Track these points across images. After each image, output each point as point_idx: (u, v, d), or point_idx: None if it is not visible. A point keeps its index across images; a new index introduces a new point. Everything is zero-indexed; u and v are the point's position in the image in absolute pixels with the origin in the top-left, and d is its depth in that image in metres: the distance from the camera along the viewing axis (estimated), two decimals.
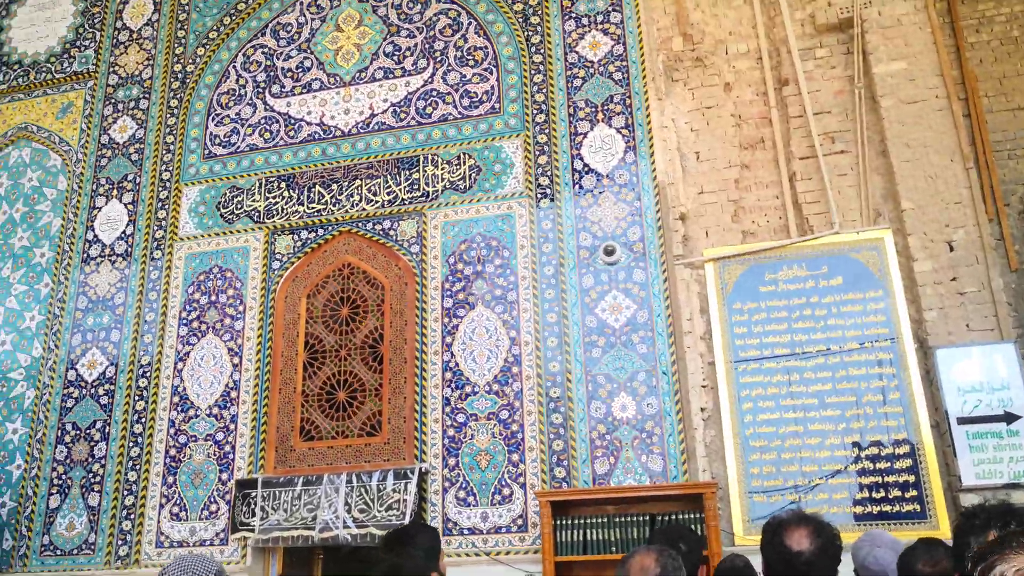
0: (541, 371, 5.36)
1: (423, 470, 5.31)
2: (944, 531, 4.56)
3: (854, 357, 4.98)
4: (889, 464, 4.78)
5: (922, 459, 4.74)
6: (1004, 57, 5.57)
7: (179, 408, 5.96)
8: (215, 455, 5.75)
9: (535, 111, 6.01)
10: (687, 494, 4.81)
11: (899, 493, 4.73)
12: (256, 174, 6.49)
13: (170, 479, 5.79)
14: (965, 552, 1.75)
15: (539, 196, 5.78)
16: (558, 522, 4.85)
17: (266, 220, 6.33)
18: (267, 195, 6.40)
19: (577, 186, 5.72)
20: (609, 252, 5.45)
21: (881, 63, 5.46)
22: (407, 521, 5.12)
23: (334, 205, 6.21)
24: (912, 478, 4.73)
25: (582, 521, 4.85)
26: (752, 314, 5.21)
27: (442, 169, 6.06)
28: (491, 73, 6.24)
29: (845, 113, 5.54)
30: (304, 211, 6.27)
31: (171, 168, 6.73)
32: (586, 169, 5.75)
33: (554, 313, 5.47)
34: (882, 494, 4.74)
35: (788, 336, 5.12)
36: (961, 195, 5.06)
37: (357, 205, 6.15)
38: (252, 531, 5.35)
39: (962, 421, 4.71)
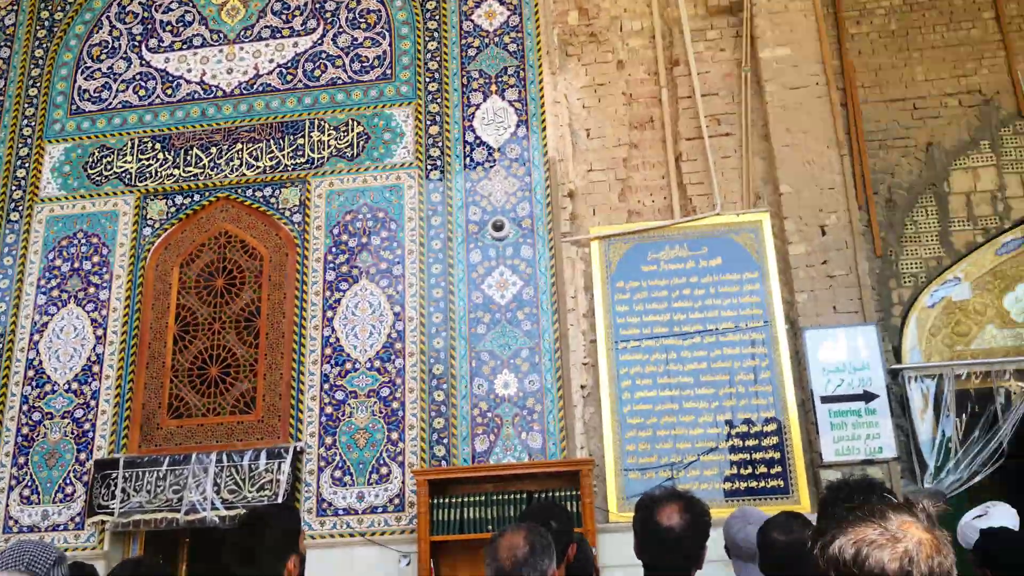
0: (425, 348, 5.26)
1: (298, 449, 5.14)
2: (805, 506, 4.75)
3: (729, 337, 5.09)
4: (757, 441, 4.93)
5: (788, 437, 4.91)
6: (881, 49, 5.75)
7: (34, 383, 5.55)
8: (73, 433, 5.40)
9: (428, 79, 5.83)
10: (564, 471, 4.83)
11: (765, 469, 4.89)
12: (128, 133, 6.06)
13: (21, 459, 5.40)
14: (830, 523, 1.79)
15: (429, 167, 5.63)
16: (435, 501, 4.79)
17: (138, 183, 5.94)
18: (140, 156, 6.00)
19: (468, 159, 5.60)
20: (498, 227, 5.37)
21: (767, 48, 5.55)
22: (279, 503, 4.95)
23: (212, 169, 5.88)
24: (778, 455, 4.90)
25: (460, 500, 4.80)
26: (634, 293, 5.24)
27: (328, 135, 5.82)
28: (384, 38, 6.01)
29: (732, 96, 5.61)
30: (180, 175, 5.91)
31: (33, 123, 6.21)
32: (477, 142, 5.63)
33: (440, 288, 5.36)
34: (749, 471, 4.89)
35: (668, 315, 5.18)
36: (835, 181, 5.22)
37: (237, 170, 5.84)
38: (111, 514, 5.06)
39: (825, 400, 4.89)
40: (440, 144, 5.65)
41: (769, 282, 5.13)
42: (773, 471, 4.88)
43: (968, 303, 5.38)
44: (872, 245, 5.30)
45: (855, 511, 1.25)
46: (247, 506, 4.94)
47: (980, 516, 3.13)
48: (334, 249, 5.55)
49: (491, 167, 5.56)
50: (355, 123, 5.82)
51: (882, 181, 5.45)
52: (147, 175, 5.94)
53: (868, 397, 4.90)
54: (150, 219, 5.84)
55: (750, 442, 4.93)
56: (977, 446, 4.97)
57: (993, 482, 5.01)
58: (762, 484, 4.87)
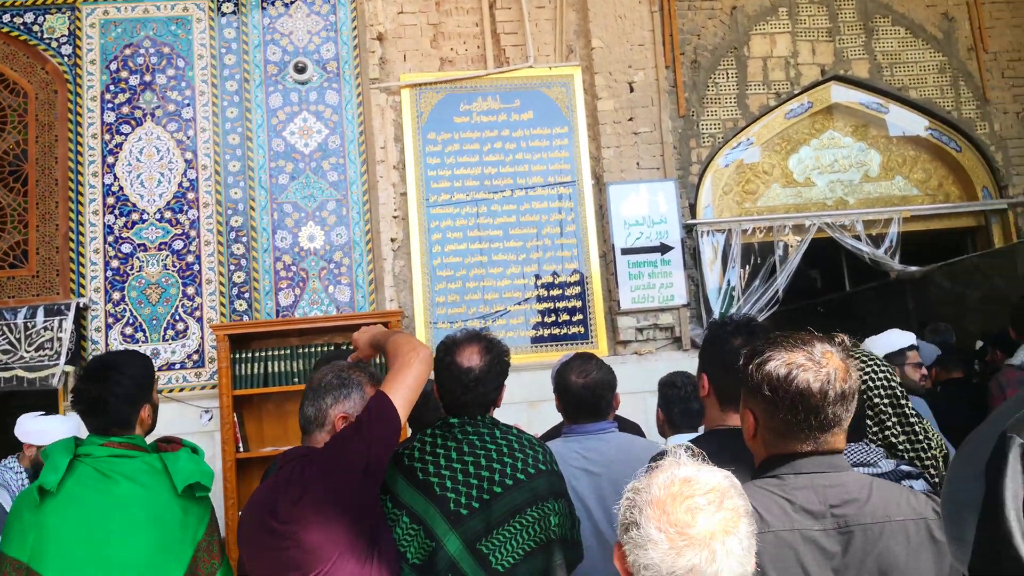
0: (221, 198, 4.91)
1: (81, 305, 4.73)
2: (603, 349, 5.05)
3: (538, 192, 5.15)
4: (561, 291, 5.12)
5: (589, 287, 5.13)
6: None
7: None
8: None
9: None
10: (373, 323, 4.77)
11: (568, 317, 5.11)
12: None
13: None
14: (715, 355, 1.93)
15: (221, 0, 5.07)
16: (238, 356, 4.62)
17: None
18: None
19: None
20: (300, 70, 5.00)
21: None
22: (62, 362, 4.58)
23: None
24: (580, 304, 5.12)
25: (264, 354, 4.66)
26: (446, 145, 5.13)
27: None
28: None
29: None
30: None
31: None
32: None
33: (237, 135, 4.97)
34: (553, 319, 5.10)
35: (479, 169, 5.14)
36: (645, 38, 5.26)
37: None
38: None
39: (625, 252, 5.13)
40: None
41: (578, 137, 5.19)
42: (575, 319, 5.11)
43: (758, 165, 5.75)
44: (676, 105, 5.47)
45: (788, 338, 1.47)
46: (25, 367, 4.54)
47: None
48: (112, 87, 4.95)
49: (292, 3, 5.10)
50: None
51: (689, 42, 5.57)
52: None
53: (664, 249, 5.19)
54: None
55: (555, 292, 5.11)
56: (757, 294, 5.45)
57: (768, 326, 5.56)
58: (564, 331, 5.10)
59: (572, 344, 5.04)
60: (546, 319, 5.09)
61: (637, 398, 4.43)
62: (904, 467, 2.22)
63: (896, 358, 3.58)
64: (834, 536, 1.40)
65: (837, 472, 1.45)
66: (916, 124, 5.80)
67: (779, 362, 1.43)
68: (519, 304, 5.10)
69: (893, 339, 3.68)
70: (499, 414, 2.22)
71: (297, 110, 5.00)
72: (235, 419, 4.54)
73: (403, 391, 1.88)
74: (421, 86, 5.13)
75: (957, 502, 0.83)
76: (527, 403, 4.61)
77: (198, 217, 4.87)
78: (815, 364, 1.41)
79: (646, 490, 1.19)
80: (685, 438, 2.39)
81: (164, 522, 1.94)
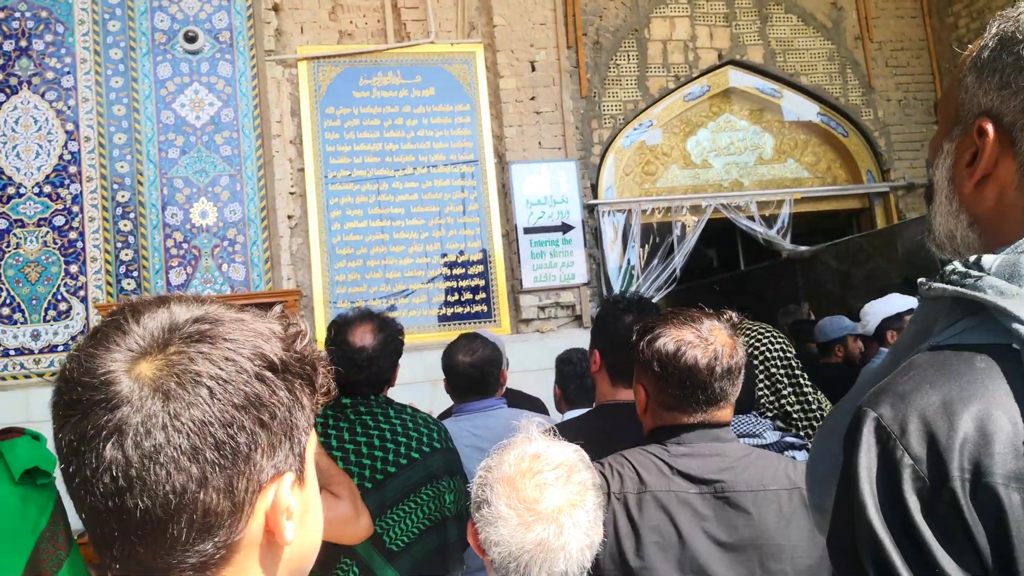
0: (107, 172, 4.69)
1: None
2: (505, 328, 5.09)
3: (440, 169, 5.12)
4: (465, 270, 5.13)
5: (492, 265, 5.15)
6: None
7: None
8: None
9: None
10: (269, 303, 4.67)
11: (471, 296, 5.12)
12: None
13: None
14: (606, 332, 1.96)
15: None
16: None
17: None
18: None
19: None
20: (191, 39, 4.80)
21: None
22: None
23: None
24: (483, 282, 5.14)
25: None
26: (345, 120, 5.03)
27: None
28: None
29: None
30: None
31: None
32: None
33: (122, 106, 4.74)
34: (456, 297, 5.10)
35: (379, 145, 5.07)
36: (547, 17, 5.28)
37: None
38: None
39: (528, 231, 5.17)
40: None
41: (480, 115, 5.18)
42: (478, 298, 5.13)
43: (659, 147, 5.88)
44: (579, 85, 5.52)
45: (679, 315, 1.52)
46: None
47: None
48: None
49: None
50: None
51: (591, 23, 5.62)
52: None
53: (565, 228, 5.25)
54: None
55: (457, 271, 5.11)
56: (656, 272, 5.59)
57: (666, 304, 5.72)
58: (467, 310, 5.11)
59: (476, 323, 5.06)
60: (449, 298, 5.09)
61: (539, 375, 4.48)
62: (789, 438, 2.33)
63: (893, 322, 3.53)
64: (709, 500, 1.45)
65: (720, 443, 1.51)
66: (809, 110, 6.04)
67: (668, 339, 1.47)
68: (423, 284, 5.08)
69: (893, 303, 3.65)
70: (402, 393, 2.20)
71: (188, 81, 4.81)
72: None
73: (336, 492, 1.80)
74: (319, 59, 5.01)
75: (819, 473, 0.86)
76: (430, 382, 4.59)
77: (81, 192, 4.64)
78: (703, 341, 1.46)
79: (497, 467, 1.22)
80: (581, 413, 2.45)
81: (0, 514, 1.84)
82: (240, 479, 0.62)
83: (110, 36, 4.76)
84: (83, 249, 4.61)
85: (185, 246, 4.72)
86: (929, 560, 0.63)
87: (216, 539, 0.62)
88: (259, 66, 4.87)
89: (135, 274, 4.66)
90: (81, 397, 0.60)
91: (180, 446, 0.59)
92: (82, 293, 4.60)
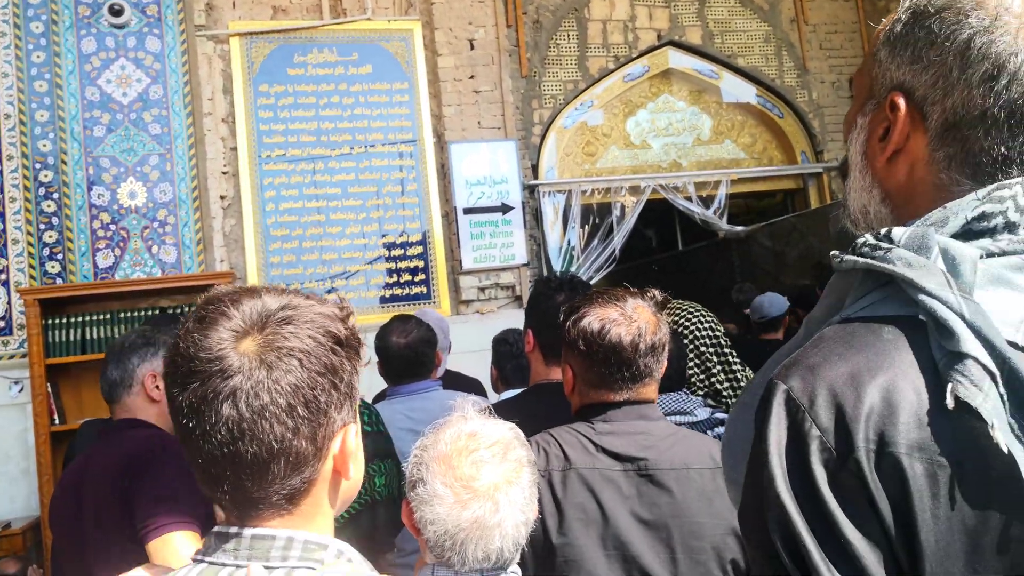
0: (28, 151, 4.51)
1: None
2: (445, 309, 5.08)
3: (378, 149, 5.06)
4: (403, 251, 5.09)
5: (431, 246, 5.13)
6: None
7: None
8: None
9: None
10: (202, 285, 4.58)
11: (410, 277, 5.10)
12: None
13: None
14: (539, 311, 1.98)
15: None
16: (50, 322, 4.29)
17: None
18: None
19: None
20: (116, 12, 4.62)
21: None
22: None
23: None
24: (422, 263, 5.12)
25: (81, 320, 4.36)
26: (279, 98, 4.93)
27: None
28: None
29: None
30: None
31: None
32: None
33: (44, 81, 4.55)
34: (395, 279, 5.07)
35: (315, 124, 4.98)
36: None
37: None
38: None
39: (467, 211, 5.15)
40: None
41: (419, 94, 5.12)
42: (418, 279, 5.11)
43: (599, 127, 5.90)
44: (518, 64, 5.50)
45: (604, 295, 1.54)
46: None
47: None
48: None
49: None
50: None
51: (531, 2, 5.59)
52: None
53: (505, 209, 5.25)
54: None
55: (396, 252, 5.07)
56: (595, 253, 5.64)
57: (605, 284, 5.79)
58: (407, 291, 5.08)
59: (415, 304, 5.04)
60: (389, 280, 5.06)
61: (479, 356, 4.47)
62: (720, 415, 2.37)
63: None
64: (633, 478, 1.48)
65: (646, 421, 1.53)
66: (747, 91, 6.12)
67: (593, 317, 1.49)
68: (362, 266, 5.03)
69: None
70: None
71: (114, 56, 4.64)
72: (48, 389, 4.24)
73: None
74: (252, 35, 4.88)
75: (733, 446, 0.86)
76: (372, 364, 4.58)
77: (1, 171, 4.45)
78: (627, 319, 1.48)
79: (433, 446, 1.22)
80: (516, 393, 2.46)
81: None
82: (320, 429, 0.81)
83: (31, 9, 4.55)
84: (4, 231, 4.44)
85: (113, 227, 4.59)
86: (834, 530, 0.63)
87: (303, 475, 0.81)
88: (189, 41, 4.72)
89: (59, 256, 4.51)
90: (198, 368, 0.77)
91: (280, 404, 0.77)
92: (3, 277, 4.44)
